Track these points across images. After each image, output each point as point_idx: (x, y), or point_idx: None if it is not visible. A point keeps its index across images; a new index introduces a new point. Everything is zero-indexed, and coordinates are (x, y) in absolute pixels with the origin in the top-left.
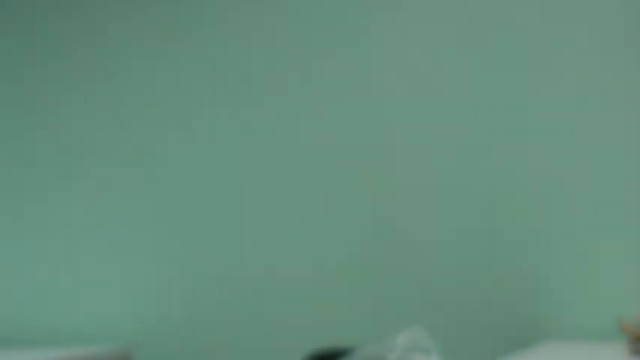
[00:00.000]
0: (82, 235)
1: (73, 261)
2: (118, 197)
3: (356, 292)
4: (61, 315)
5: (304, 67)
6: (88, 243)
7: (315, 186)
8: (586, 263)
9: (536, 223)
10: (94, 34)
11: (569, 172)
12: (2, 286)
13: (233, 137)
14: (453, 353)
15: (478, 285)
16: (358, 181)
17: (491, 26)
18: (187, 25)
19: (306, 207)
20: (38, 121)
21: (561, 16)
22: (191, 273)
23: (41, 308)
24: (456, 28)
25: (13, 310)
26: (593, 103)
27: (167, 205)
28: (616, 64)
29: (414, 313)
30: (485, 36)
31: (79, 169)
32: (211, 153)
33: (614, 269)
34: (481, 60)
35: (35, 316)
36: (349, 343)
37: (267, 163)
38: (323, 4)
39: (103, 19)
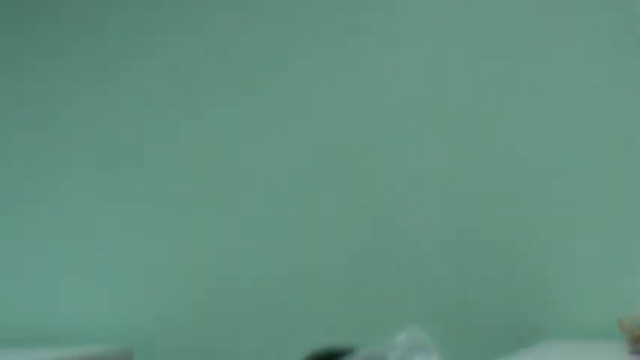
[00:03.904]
0: (82, 236)
1: (74, 261)
2: (118, 198)
3: (356, 292)
4: (62, 315)
5: (304, 67)
6: (88, 243)
7: (315, 186)
8: (586, 263)
9: (536, 223)
10: (92, 35)
11: (569, 172)
12: (2, 287)
13: (232, 137)
14: (453, 353)
15: (478, 285)
16: (358, 181)
17: (490, 26)
18: (187, 25)
19: (306, 207)
20: (39, 121)
21: (561, 17)
22: (191, 273)
23: (41, 309)
24: (454, 28)
25: (13, 310)
26: (593, 104)
27: (167, 206)
28: (617, 64)
29: (414, 313)
30: (484, 36)
31: (81, 170)
32: (211, 154)
33: (614, 269)
34: (481, 60)
35: (36, 316)
36: (349, 343)
37: (267, 163)
38: (322, 3)
39: (100, 20)
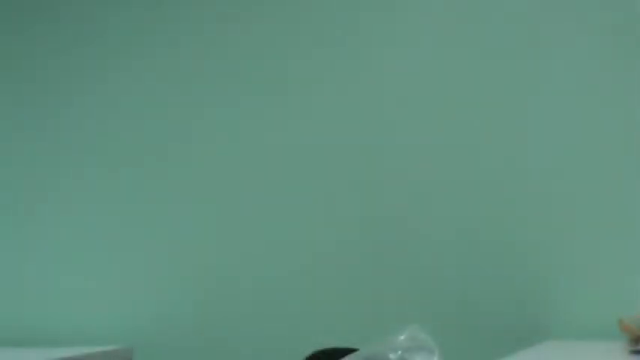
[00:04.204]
0: (82, 236)
1: (74, 262)
2: (119, 198)
3: (356, 292)
4: (62, 315)
5: (304, 67)
6: (88, 244)
7: (315, 186)
8: (586, 263)
9: (536, 223)
10: (91, 35)
11: (569, 172)
12: (3, 287)
13: (232, 137)
14: (453, 353)
15: (478, 285)
16: (358, 181)
17: (490, 26)
18: (189, 27)
19: (306, 207)
20: (38, 122)
21: (561, 17)
22: (191, 273)
23: (42, 309)
24: (454, 28)
25: (13, 310)
26: (593, 104)
27: (167, 206)
28: (617, 64)
29: (414, 313)
30: (484, 36)
31: (80, 170)
32: (211, 155)
33: (614, 269)
34: (481, 60)
35: (36, 316)
36: (349, 343)
37: (267, 163)
38: (322, 5)
39: (99, 20)
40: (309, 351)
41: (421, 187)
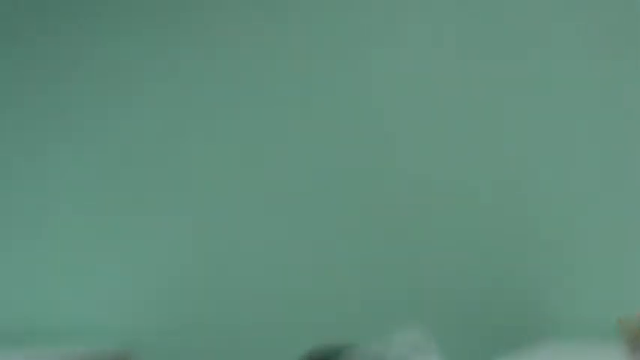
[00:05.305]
0: (82, 237)
1: (74, 262)
2: (118, 200)
3: (356, 292)
4: (62, 315)
5: (305, 72)
6: (88, 244)
7: (317, 187)
8: (586, 263)
9: (536, 223)
10: (95, 44)
11: (569, 173)
12: (3, 287)
13: (233, 140)
14: (453, 353)
15: (478, 285)
16: (359, 182)
17: (490, 28)
18: (190, 35)
19: (306, 209)
20: (37, 124)
21: (561, 17)
22: (191, 273)
23: (42, 308)
24: (454, 33)
25: (14, 310)
26: (593, 104)
27: (167, 208)
28: (617, 64)
29: (414, 313)
30: (485, 40)
31: (79, 171)
32: (212, 155)
33: (614, 269)
34: (483, 62)
35: (36, 316)
36: (349, 342)
37: (269, 162)
38: (324, 12)
39: (106, 32)
40: (308, 349)
41: (423, 187)
